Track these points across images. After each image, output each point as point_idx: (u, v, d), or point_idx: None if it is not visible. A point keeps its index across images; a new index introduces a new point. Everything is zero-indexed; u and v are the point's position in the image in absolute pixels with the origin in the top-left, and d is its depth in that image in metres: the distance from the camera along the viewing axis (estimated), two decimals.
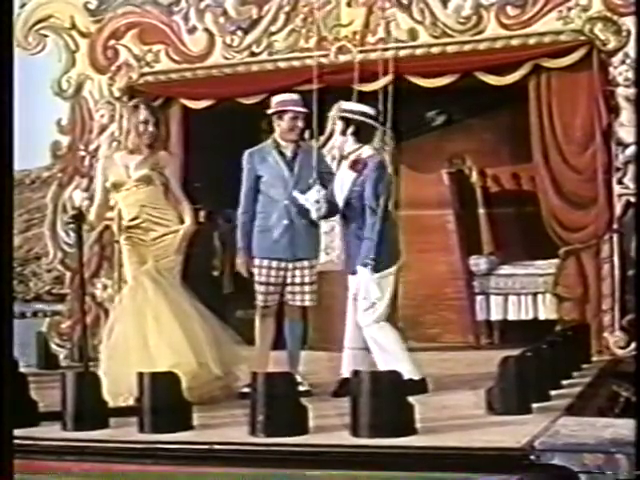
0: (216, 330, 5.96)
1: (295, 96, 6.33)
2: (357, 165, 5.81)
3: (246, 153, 6.30)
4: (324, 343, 8.38)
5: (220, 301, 9.52)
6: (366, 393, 4.31)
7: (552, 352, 5.67)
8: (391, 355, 5.67)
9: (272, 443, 4.30)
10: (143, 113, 6.14)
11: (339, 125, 5.92)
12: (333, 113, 6.05)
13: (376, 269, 5.66)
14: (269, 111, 6.28)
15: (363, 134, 5.88)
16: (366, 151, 5.88)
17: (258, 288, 6.20)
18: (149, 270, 5.97)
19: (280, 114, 6.19)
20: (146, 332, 5.74)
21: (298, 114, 6.18)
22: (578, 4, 7.59)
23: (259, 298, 6.20)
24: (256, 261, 6.18)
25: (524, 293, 8.49)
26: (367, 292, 5.63)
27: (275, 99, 6.33)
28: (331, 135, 8.61)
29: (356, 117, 5.86)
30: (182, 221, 6.14)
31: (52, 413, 4.96)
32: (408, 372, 5.57)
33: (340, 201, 5.86)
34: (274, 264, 6.14)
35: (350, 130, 5.84)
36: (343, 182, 5.87)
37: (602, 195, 7.49)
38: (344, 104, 6.12)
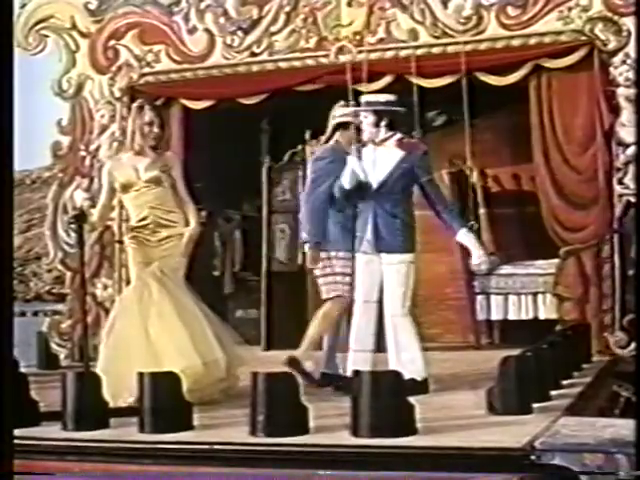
0: (219, 331, 5.96)
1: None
2: (405, 145, 5.87)
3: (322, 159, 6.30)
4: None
5: (220, 301, 9.54)
6: (366, 393, 4.31)
7: (552, 352, 5.66)
8: (405, 352, 5.70)
9: (272, 443, 4.29)
10: (148, 114, 6.15)
11: (370, 118, 5.89)
12: (360, 107, 6.02)
13: (406, 249, 5.80)
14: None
15: (395, 123, 5.91)
16: (401, 135, 5.94)
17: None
18: (154, 271, 5.97)
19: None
20: (150, 333, 5.75)
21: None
22: (578, 4, 7.60)
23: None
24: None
25: (524, 293, 8.49)
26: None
27: None
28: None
29: (386, 108, 5.90)
30: (188, 222, 6.14)
31: (52, 413, 4.96)
32: (415, 372, 5.59)
33: (377, 179, 5.84)
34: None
35: (384, 122, 5.86)
36: (379, 162, 5.85)
37: (603, 195, 7.50)
38: (368, 97, 6.12)
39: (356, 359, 5.79)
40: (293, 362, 5.97)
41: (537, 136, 7.80)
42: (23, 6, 9.08)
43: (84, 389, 4.84)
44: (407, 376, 5.24)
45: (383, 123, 5.87)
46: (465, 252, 8.79)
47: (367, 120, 5.91)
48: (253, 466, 4.22)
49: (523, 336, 7.59)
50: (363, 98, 6.09)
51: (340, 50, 8.23)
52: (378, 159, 5.87)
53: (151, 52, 8.86)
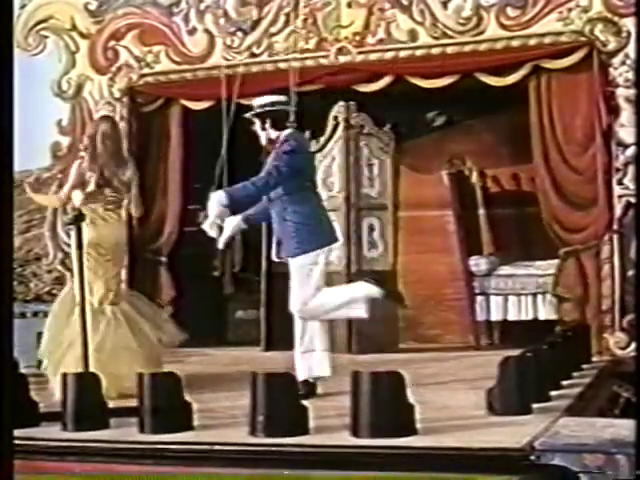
0: None
1: None
2: (272, 143, 5.84)
3: None
4: None
5: (220, 302, 9.53)
6: (366, 393, 4.31)
7: (552, 352, 5.66)
8: (308, 351, 5.78)
9: (272, 443, 4.29)
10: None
11: (257, 124, 5.90)
12: (248, 115, 6.02)
13: (302, 252, 5.71)
14: None
15: (279, 122, 5.86)
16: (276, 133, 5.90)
17: None
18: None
19: None
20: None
21: None
22: (578, 5, 7.60)
23: None
24: None
25: (524, 294, 8.48)
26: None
27: None
28: (330, 137, 8.65)
29: (267, 109, 5.86)
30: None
31: (52, 413, 4.96)
32: (320, 371, 5.73)
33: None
34: None
35: (268, 124, 5.84)
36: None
37: (602, 196, 7.50)
38: (255, 101, 6.06)
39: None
40: None
41: (537, 137, 7.80)
42: (23, 6, 9.09)
43: (84, 389, 4.84)
44: (315, 374, 5.55)
45: (267, 125, 5.84)
46: (465, 253, 8.84)
47: (255, 126, 5.93)
48: (253, 466, 4.22)
49: (523, 337, 7.60)
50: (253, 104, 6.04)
51: (340, 51, 8.23)
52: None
53: (151, 53, 8.87)
